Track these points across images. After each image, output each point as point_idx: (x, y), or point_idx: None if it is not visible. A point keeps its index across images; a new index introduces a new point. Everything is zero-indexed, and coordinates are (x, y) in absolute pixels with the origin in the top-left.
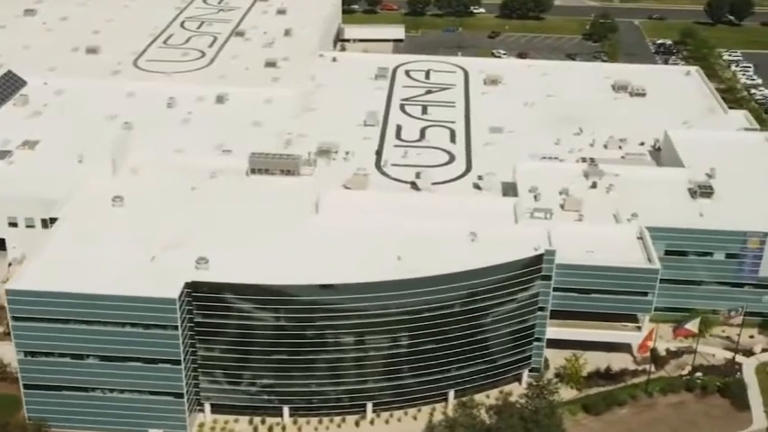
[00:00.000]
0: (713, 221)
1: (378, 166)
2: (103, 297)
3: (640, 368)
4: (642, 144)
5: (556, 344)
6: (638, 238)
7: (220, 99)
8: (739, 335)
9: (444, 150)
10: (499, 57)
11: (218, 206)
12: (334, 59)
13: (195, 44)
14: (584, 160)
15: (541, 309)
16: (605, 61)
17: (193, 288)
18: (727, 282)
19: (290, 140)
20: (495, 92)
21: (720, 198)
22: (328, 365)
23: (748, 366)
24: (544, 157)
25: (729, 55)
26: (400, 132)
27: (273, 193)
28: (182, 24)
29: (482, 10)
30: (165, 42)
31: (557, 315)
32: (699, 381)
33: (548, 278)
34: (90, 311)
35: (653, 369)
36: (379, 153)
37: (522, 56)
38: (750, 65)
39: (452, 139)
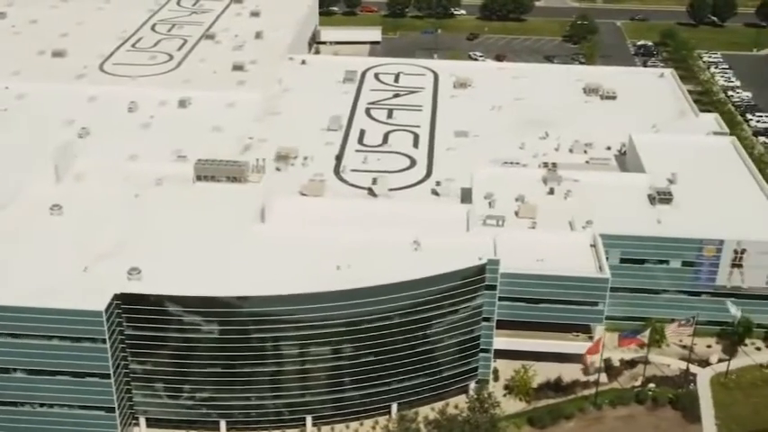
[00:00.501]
0: (669, 228)
1: (336, 171)
2: (30, 309)
3: (593, 379)
4: (608, 148)
5: (508, 354)
6: (592, 245)
7: (183, 103)
8: (692, 345)
9: (406, 155)
10: (476, 59)
11: (160, 214)
12: (304, 62)
13: (164, 47)
14: (546, 165)
15: (487, 319)
16: (583, 63)
17: (122, 300)
18: (684, 290)
19: (249, 145)
20: (464, 95)
21: (680, 204)
22: (265, 378)
23: (703, 377)
24: (506, 162)
25: (709, 56)
26: (363, 137)
27: (218, 201)
28: (153, 27)
29: (462, 12)
30: (133, 46)
31: (510, 325)
32: (650, 392)
33: (492, 288)
34: (16, 324)
35: (605, 380)
36: (339, 158)
37: (499, 58)
38: (729, 66)
39: (415, 143)
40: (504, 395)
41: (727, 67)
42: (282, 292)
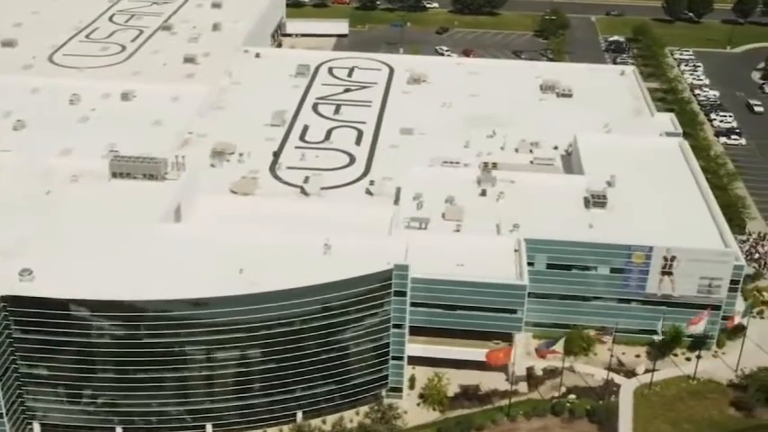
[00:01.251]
0: (598, 234)
1: (272, 169)
2: None
3: (513, 389)
4: (556, 148)
5: (433, 362)
6: (516, 250)
7: (126, 96)
8: (611, 355)
9: (346, 153)
10: (442, 54)
11: (68, 213)
12: (258, 55)
13: (118, 38)
14: (485, 165)
15: (398, 326)
16: (551, 59)
17: (9, 302)
18: (613, 298)
19: (188, 140)
20: (417, 91)
21: (615, 208)
22: (160, 384)
23: (627, 388)
24: (445, 162)
25: (681, 54)
26: (306, 133)
27: (131, 199)
28: (110, 18)
29: (435, 5)
30: (87, 36)
31: (432, 332)
32: (568, 404)
33: (401, 294)
34: None
35: (525, 390)
36: (276, 155)
37: (466, 53)
38: (700, 64)
39: (358, 140)
40: (418, 404)
41: (697, 64)
42: (169, 296)
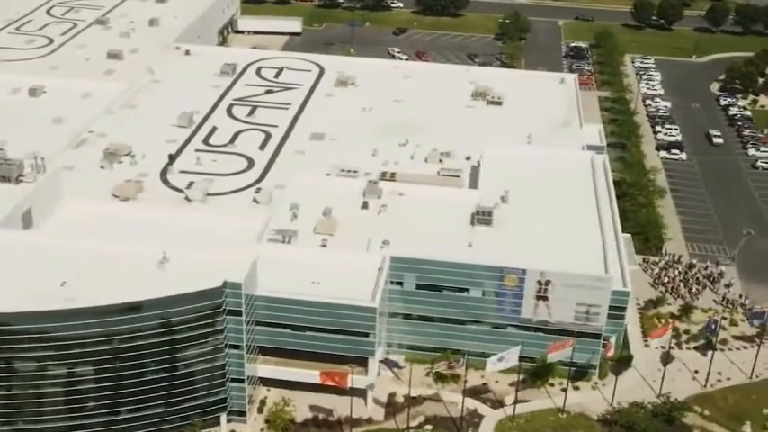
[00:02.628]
0: (470, 254)
1: (163, 172)
2: None
3: (367, 417)
4: (468, 158)
5: (289, 385)
6: (380, 269)
7: (34, 92)
8: (464, 383)
9: (246, 157)
10: (393, 56)
11: None
12: (188, 53)
13: (49, 31)
14: (383, 176)
15: (235, 347)
16: (504, 64)
17: None
18: (487, 322)
19: (85, 140)
20: (341, 94)
21: (502, 226)
22: None
23: (490, 420)
24: (342, 171)
25: (641, 62)
26: (211, 136)
27: None
28: (48, 10)
29: (400, 4)
30: (17, 28)
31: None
32: None
33: (236, 313)
34: None
35: (380, 418)
36: (172, 158)
37: (419, 55)
38: (657, 73)
39: (263, 145)
40: (262, 429)
41: (654, 73)
42: None
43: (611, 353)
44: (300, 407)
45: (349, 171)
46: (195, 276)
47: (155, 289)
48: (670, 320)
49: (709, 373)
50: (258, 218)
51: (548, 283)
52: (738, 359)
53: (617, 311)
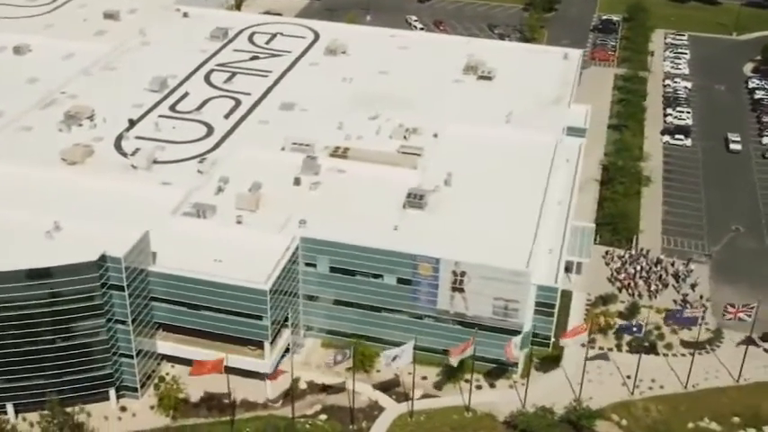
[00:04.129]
0: (394, 238)
1: (118, 138)
2: None
3: (271, 401)
4: (435, 136)
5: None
6: (287, 249)
7: (18, 50)
8: (353, 374)
9: (207, 125)
10: (411, 24)
11: None
12: (186, 15)
13: None
14: (336, 150)
15: (121, 322)
16: (525, 36)
17: None
18: (403, 311)
19: (54, 101)
20: (327, 63)
21: (436, 211)
22: None
23: (389, 414)
24: (295, 144)
25: (673, 38)
26: (180, 101)
27: None
28: None
29: None
30: None
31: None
32: (308, 425)
33: (118, 288)
34: None
35: (277, 404)
36: (132, 123)
37: (436, 24)
38: (686, 51)
39: (229, 113)
40: (152, 407)
41: (683, 51)
42: None
43: (512, 354)
44: (200, 386)
45: (302, 144)
46: (81, 248)
47: (37, 259)
48: (588, 321)
49: (635, 379)
50: (181, 189)
51: (463, 274)
52: (681, 366)
53: (545, 308)
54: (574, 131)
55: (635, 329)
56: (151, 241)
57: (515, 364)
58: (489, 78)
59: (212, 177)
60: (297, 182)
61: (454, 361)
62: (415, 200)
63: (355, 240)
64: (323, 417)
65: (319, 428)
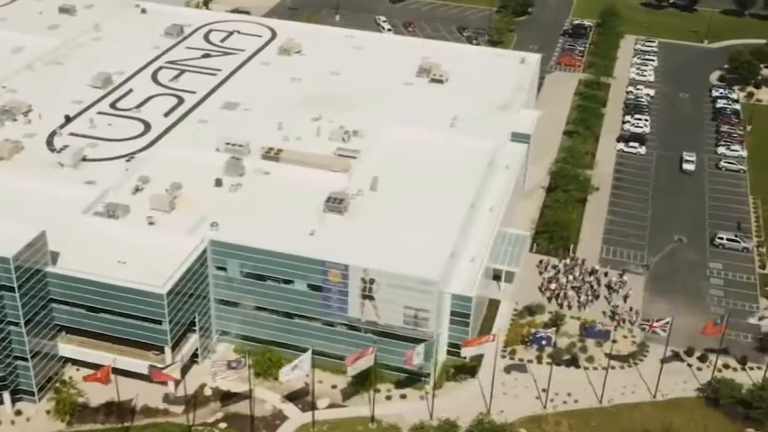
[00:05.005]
0: (309, 243)
1: (51, 134)
2: None
3: (172, 407)
4: (371, 139)
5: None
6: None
7: None
8: (251, 387)
9: (144, 123)
10: (379, 24)
11: None
12: (144, 11)
13: None
14: (269, 151)
15: (14, 323)
16: (492, 39)
17: None
18: (316, 318)
19: None
20: (279, 63)
21: (357, 216)
22: None
23: (291, 424)
24: (228, 144)
25: (642, 44)
26: (122, 98)
27: None
28: None
29: None
30: None
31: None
32: None
33: (10, 288)
34: None
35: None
36: (68, 119)
37: (405, 25)
38: (653, 58)
39: (169, 112)
40: (48, 411)
41: (650, 58)
42: None
43: (413, 361)
44: (105, 391)
45: (235, 145)
46: None
47: None
48: (494, 334)
49: (548, 393)
50: (96, 189)
51: (372, 281)
52: (600, 381)
53: (460, 317)
54: (519, 137)
55: (544, 341)
56: (60, 241)
57: (428, 375)
58: (441, 82)
59: (132, 176)
60: (218, 183)
61: (351, 371)
62: (335, 204)
63: (266, 245)
64: (222, 425)
65: None
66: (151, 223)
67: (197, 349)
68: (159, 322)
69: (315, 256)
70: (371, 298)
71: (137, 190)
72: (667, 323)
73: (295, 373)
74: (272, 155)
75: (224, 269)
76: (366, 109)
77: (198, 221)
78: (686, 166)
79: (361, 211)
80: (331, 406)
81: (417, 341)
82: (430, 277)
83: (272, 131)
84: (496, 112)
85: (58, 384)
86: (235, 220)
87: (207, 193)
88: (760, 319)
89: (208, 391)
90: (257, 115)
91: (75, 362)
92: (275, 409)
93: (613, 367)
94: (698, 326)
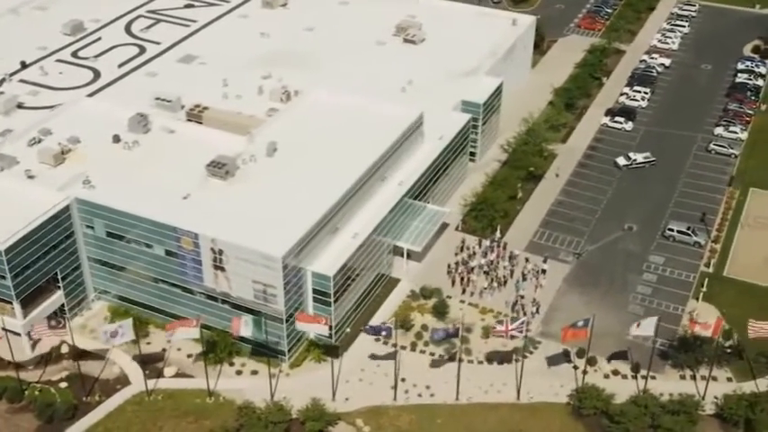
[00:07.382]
0: (180, 207)
1: (1, 80)
2: None
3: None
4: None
5: None
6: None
7: None
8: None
9: (95, 72)
10: None
11: None
12: None
13: None
14: (193, 109)
15: None
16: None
17: None
18: (177, 284)
19: None
20: (257, 16)
21: (243, 182)
22: None
23: (132, 389)
24: (158, 99)
25: (681, 8)
26: (87, 47)
27: None
28: None
29: None
30: None
31: None
32: (38, 391)
33: None
34: None
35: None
36: (24, 65)
37: None
38: (684, 24)
39: (126, 62)
40: None
41: (683, 23)
42: None
43: (237, 330)
44: None
45: (164, 100)
46: None
47: None
48: (325, 317)
49: (396, 383)
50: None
51: (221, 252)
52: (474, 375)
53: (320, 295)
54: (469, 105)
55: (383, 332)
56: None
57: (284, 353)
58: (414, 42)
59: (35, 128)
60: (116, 139)
61: (168, 336)
62: (217, 168)
63: (125, 206)
64: (63, 385)
65: (48, 395)
66: (30, 177)
67: (63, 305)
68: (2, 277)
69: (168, 222)
70: (222, 269)
71: (34, 141)
72: (523, 323)
73: (116, 339)
74: (195, 113)
75: (92, 228)
76: (321, 69)
77: (74, 178)
78: (620, 161)
79: (248, 177)
80: (177, 375)
81: (270, 317)
82: (272, 253)
83: (216, 88)
84: (457, 78)
85: None
86: (116, 178)
87: (102, 149)
88: (638, 326)
89: (65, 348)
90: (209, 70)
91: None
92: (122, 373)
93: (491, 362)
94: (609, 325)
